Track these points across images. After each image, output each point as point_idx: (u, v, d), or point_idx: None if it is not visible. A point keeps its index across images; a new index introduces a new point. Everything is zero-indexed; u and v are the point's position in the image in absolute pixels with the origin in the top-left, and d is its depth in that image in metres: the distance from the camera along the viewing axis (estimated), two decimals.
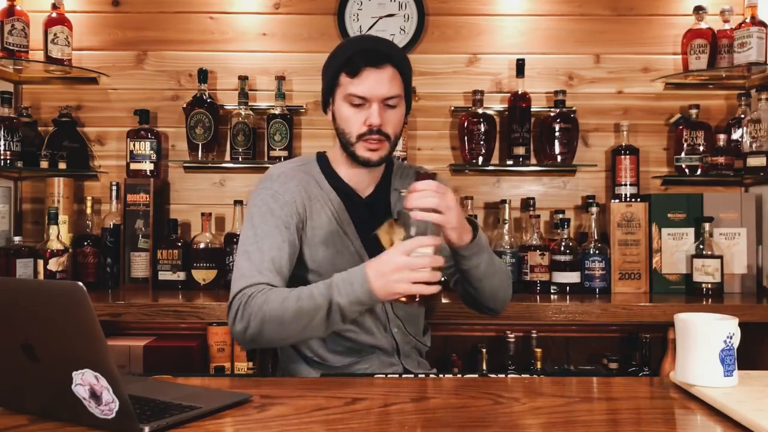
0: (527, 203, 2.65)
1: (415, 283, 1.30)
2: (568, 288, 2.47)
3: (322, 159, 1.69)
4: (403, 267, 1.30)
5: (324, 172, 1.66)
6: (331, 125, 1.64)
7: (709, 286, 2.41)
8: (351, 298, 1.34)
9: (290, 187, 1.59)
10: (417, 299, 1.32)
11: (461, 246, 1.47)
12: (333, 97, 1.60)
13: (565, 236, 2.52)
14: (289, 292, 1.40)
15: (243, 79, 2.65)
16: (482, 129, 2.63)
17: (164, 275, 2.56)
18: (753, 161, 2.45)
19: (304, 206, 1.58)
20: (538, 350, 2.19)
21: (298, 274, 1.60)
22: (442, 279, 1.37)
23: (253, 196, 1.61)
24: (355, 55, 1.53)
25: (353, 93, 1.53)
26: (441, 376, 1.46)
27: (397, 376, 1.46)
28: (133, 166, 2.64)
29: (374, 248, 1.58)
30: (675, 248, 2.53)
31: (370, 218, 1.62)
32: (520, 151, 2.64)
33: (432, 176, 1.44)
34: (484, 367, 2.20)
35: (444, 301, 2.25)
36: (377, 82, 1.52)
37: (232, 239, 2.56)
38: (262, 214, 1.55)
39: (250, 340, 1.42)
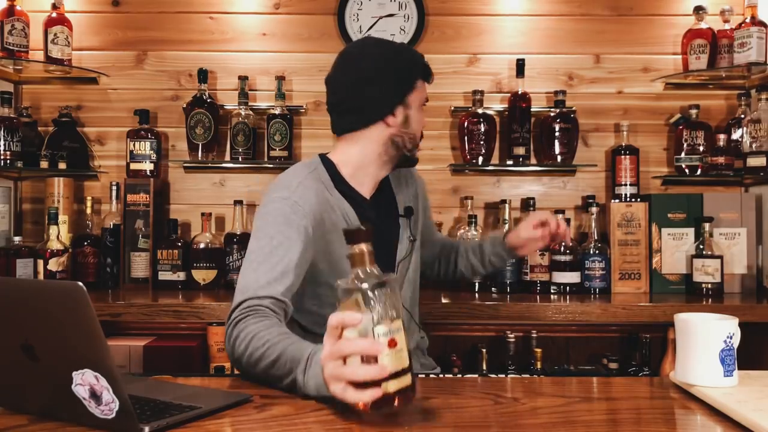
0: (527, 203, 2.65)
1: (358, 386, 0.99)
2: (568, 288, 2.47)
3: (326, 163, 1.65)
4: (329, 378, 1.02)
5: (333, 178, 1.62)
6: (324, 125, 1.62)
7: (709, 286, 2.41)
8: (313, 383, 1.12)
9: (309, 198, 1.52)
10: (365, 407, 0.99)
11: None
12: (405, 102, 1.60)
13: None
14: (269, 343, 1.22)
15: (243, 79, 2.65)
16: (482, 129, 2.63)
17: (164, 275, 2.56)
18: (753, 161, 2.45)
19: (321, 216, 1.53)
20: (538, 350, 2.19)
21: (312, 286, 1.55)
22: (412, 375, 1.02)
23: (268, 204, 1.54)
24: (427, 64, 1.64)
25: (427, 97, 1.66)
26: (441, 376, 1.46)
27: None
28: (133, 166, 2.64)
29: (384, 247, 1.57)
30: (675, 248, 2.53)
31: (377, 217, 1.63)
32: (520, 151, 2.64)
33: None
34: (484, 367, 2.20)
35: (444, 301, 2.25)
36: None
37: (232, 239, 2.56)
38: (278, 224, 1.48)
39: (230, 353, 1.32)
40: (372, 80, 1.57)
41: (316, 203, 1.53)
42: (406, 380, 0.98)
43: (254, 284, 1.38)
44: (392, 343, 0.96)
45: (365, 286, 0.97)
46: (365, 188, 1.66)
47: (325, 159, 1.66)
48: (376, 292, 0.97)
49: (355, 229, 1.01)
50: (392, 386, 0.96)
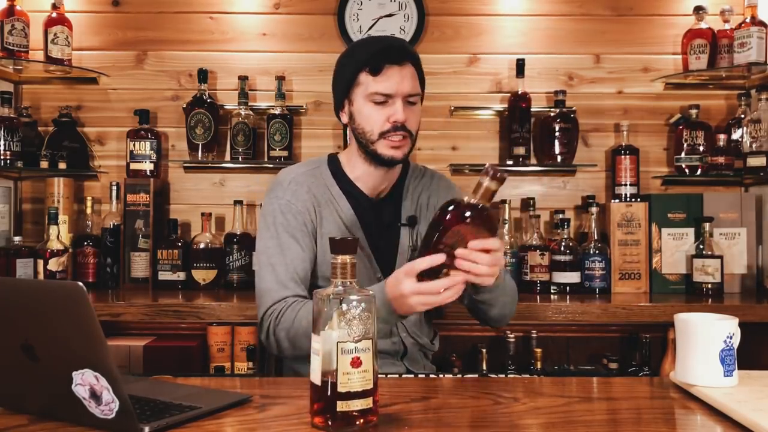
0: (527, 203, 2.65)
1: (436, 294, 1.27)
2: (568, 288, 2.47)
3: (333, 161, 1.67)
4: (413, 293, 1.28)
5: (335, 176, 1.64)
6: (334, 126, 1.64)
7: (709, 286, 2.41)
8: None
9: (300, 195, 1.58)
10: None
11: (488, 286, 1.40)
12: (349, 97, 1.58)
13: (565, 236, 2.52)
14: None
15: (243, 79, 2.65)
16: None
17: (164, 275, 2.56)
18: (753, 161, 2.45)
19: (315, 213, 1.58)
20: (538, 350, 2.19)
21: (313, 279, 1.60)
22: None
23: (265, 206, 1.61)
24: (377, 53, 1.52)
25: (377, 91, 1.52)
26: (441, 376, 1.46)
27: (398, 376, 1.46)
28: (133, 166, 2.64)
29: (384, 252, 1.58)
30: (675, 248, 2.53)
31: (379, 221, 1.61)
32: (520, 151, 2.64)
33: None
34: (484, 367, 2.20)
35: None
36: (401, 78, 1.52)
37: (232, 239, 2.56)
38: (276, 225, 1.56)
39: (285, 356, 1.47)
40: (333, 77, 1.64)
41: (308, 199, 1.58)
42: (364, 403, 0.97)
43: (275, 286, 1.50)
44: (356, 362, 0.96)
45: (337, 299, 0.97)
46: (369, 188, 1.64)
47: (332, 157, 1.68)
48: (345, 307, 0.97)
49: (339, 240, 1.01)
50: (354, 405, 0.96)
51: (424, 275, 1.27)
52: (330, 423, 0.96)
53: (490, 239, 1.27)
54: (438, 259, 1.25)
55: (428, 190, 1.70)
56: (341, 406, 0.96)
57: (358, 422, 0.97)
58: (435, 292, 1.26)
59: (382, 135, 1.53)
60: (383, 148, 1.54)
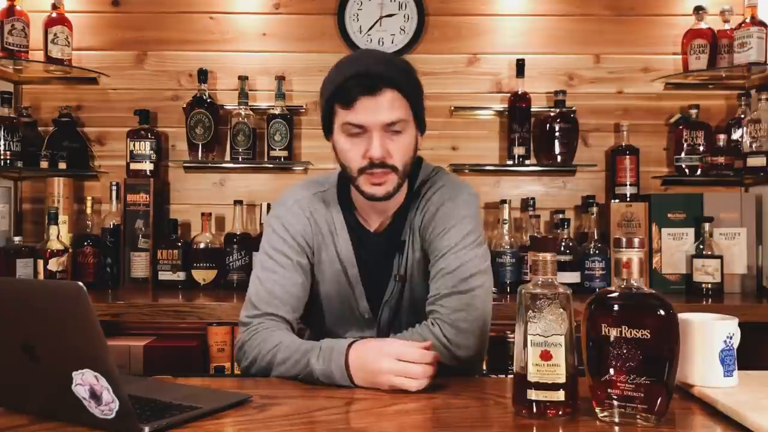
0: (527, 203, 2.65)
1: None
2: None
3: (343, 184, 1.52)
4: (388, 372, 1.20)
5: (341, 202, 1.50)
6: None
7: (709, 286, 2.41)
8: (326, 370, 1.25)
9: (301, 220, 1.48)
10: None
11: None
12: (330, 127, 1.43)
13: (565, 236, 2.52)
14: (279, 343, 1.35)
15: (243, 79, 2.65)
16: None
17: (164, 275, 2.56)
18: (753, 161, 2.45)
19: (313, 241, 1.49)
20: None
21: (314, 310, 1.54)
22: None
23: (268, 219, 1.54)
24: (347, 82, 1.34)
25: (349, 122, 1.35)
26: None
27: None
28: (133, 166, 2.64)
29: (374, 292, 1.49)
30: (675, 248, 2.53)
31: (376, 256, 1.49)
32: (520, 151, 2.64)
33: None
34: (484, 367, 2.20)
35: None
36: (375, 109, 1.33)
37: (232, 239, 2.56)
38: (274, 242, 1.48)
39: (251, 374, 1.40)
40: (319, 100, 1.48)
41: (308, 225, 1.49)
42: (554, 395, 1.02)
43: (257, 299, 1.45)
44: (545, 355, 1.02)
45: (530, 294, 1.04)
46: (373, 219, 1.50)
47: (344, 178, 1.50)
48: (538, 302, 1.03)
49: (540, 239, 1.09)
50: (544, 396, 1.02)
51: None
52: (522, 410, 1.04)
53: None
54: (428, 357, 1.23)
55: (422, 212, 1.48)
56: (531, 395, 1.02)
57: (549, 412, 1.02)
58: (411, 374, 1.21)
59: (362, 171, 1.37)
60: (364, 185, 1.39)
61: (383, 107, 1.34)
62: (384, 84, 1.34)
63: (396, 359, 1.20)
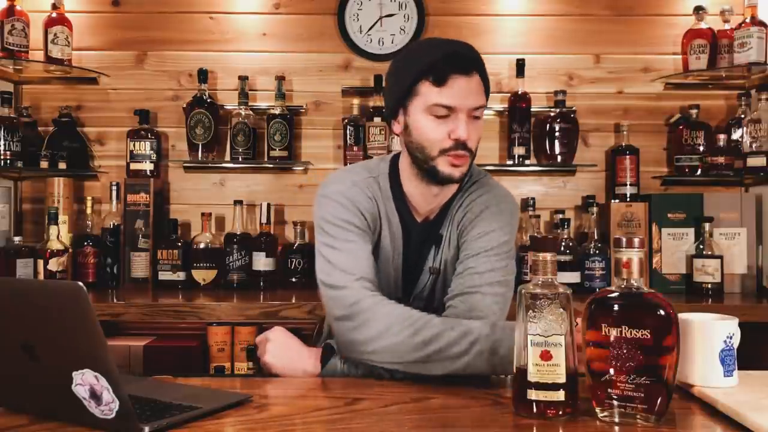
0: (527, 203, 2.65)
1: None
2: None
3: (394, 169, 1.50)
4: None
5: (392, 188, 1.48)
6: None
7: (709, 286, 2.41)
8: (510, 343, 1.18)
9: (364, 198, 1.45)
10: None
11: None
12: (405, 107, 1.39)
13: (565, 236, 2.52)
14: (430, 320, 1.28)
15: (243, 79, 2.65)
16: None
17: (164, 275, 2.56)
18: (753, 161, 2.45)
19: (375, 221, 1.46)
20: None
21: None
22: None
23: (326, 194, 1.45)
24: (442, 60, 1.34)
25: (440, 103, 1.34)
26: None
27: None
28: (133, 166, 2.64)
29: (407, 282, 1.49)
30: (675, 248, 2.53)
31: (415, 246, 1.48)
32: (520, 151, 2.64)
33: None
34: None
35: None
36: (468, 90, 1.34)
37: (232, 239, 2.56)
38: (341, 213, 1.41)
39: (371, 351, 1.29)
40: (386, 81, 1.49)
41: (369, 207, 1.45)
42: (554, 395, 1.02)
43: (343, 264, 1.36)
44: (545, 356, 1.02)
45: (530, 294, 1.04)
46: (424, 208, 1.49)
47: (394, 163, 1.50)
48: (538, 302, 1.03)
49: (540, 238, 1.08)
50: (544, 396, 1.02)
51: None
52: (523, 410, 1.04)
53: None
54: None
55: (465, 210, 1.48)
56: (531, 394, 1.02)
57: (549, 412, 1.02)
58: None
59: (443, 152, 1.36)
60: (443, 165, 1.37)
61: (473, 90, 1.36)
62: (475, 67, 1.37)
63: None
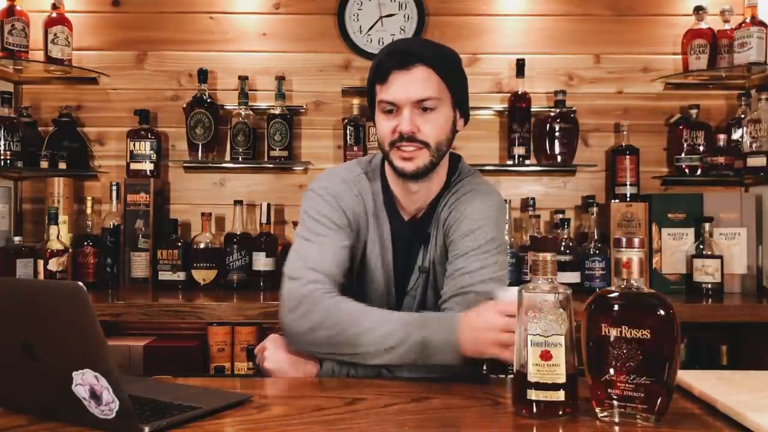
0: (527, 203, 2.66)
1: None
2: None
3: (385, 170, 1.53)
4: (495, 343, 1.22)
5: (383, 185, 1.51)
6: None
7: (709, 286, 2.41)
8: (439, 336, 1.25)
9: (350, 196, 1.48)
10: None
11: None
12: (373, 110, 1.47)
13: (565, 236, 2.52)
14: (362, 307, 1.33)
15: (243, 79, 2.65)
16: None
17: (164, 275, 2.56)
18: (753, 161, 2.45)
19: (359, 220, 1.48)
20: None
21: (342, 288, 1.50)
22: None
23: (313, 188, 1.50)
24: (383, 59, 1.41)
25: (383, 99, 1.40)
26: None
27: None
28: (133, 166, 2.64)
29: (397, 281, 1.50)
30: (675, 248, 2.53)
31: (404, 245, 1.50)
32: (520, 151, 2.64)
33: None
34: (484, 367, 2.20)
35: None
36: (406, 84, 1.37)
37: (232, 239, 2.56)
38: (322, 209, 1.45)
39: (307, 342, 1.34)
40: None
41: (353, 205, 1.48)
42: (554, 395, 1.02)
43: (308, 258, 1.40)
44: (545, 356, 1.02)
45: (531, 294, 1.04)
46: (409, 206, 1.51)
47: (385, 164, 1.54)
48: (539, 302, 1.03)
49: (540, 239, 1.09)
50: (544, 396, 1.02)
51: None
52: (522, 410, 1.04)
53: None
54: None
55: (450, 208, 1.49)
56: (531, 395, 1.02)
57: (547, 412, 1.02)
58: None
59: (392, 145, 1.41)
60: (396, 159, 1.41)
61: (415, 83, 1.38)
62: (415, 60, 1.38)
63: (501, 331, 1.21)
